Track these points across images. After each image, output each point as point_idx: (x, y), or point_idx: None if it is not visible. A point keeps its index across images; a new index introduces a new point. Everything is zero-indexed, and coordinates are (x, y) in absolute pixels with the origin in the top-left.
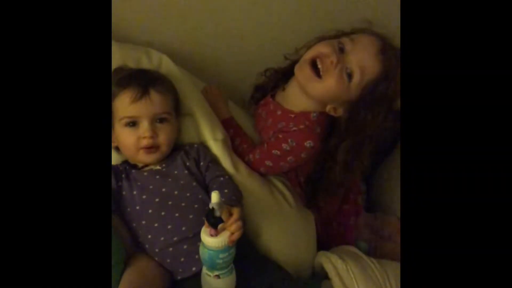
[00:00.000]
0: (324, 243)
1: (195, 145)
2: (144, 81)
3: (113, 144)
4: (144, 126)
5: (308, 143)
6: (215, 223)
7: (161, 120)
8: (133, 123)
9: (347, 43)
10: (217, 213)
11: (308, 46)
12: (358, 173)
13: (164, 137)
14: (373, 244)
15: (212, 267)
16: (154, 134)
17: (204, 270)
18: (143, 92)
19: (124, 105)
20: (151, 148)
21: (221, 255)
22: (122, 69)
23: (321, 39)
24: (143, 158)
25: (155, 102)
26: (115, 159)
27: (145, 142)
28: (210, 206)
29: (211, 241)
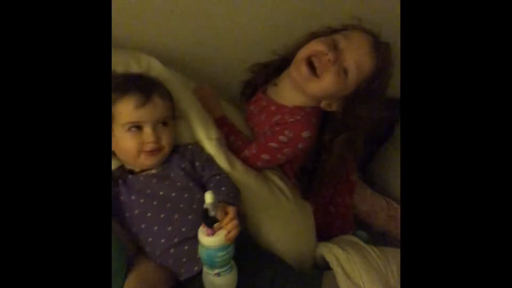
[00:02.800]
0: (324, 232)
1: (189, 146)
2: (146, 86)
3: None
4: (148, 131)
5: (305, 133)
6: (210, 222)
7: (163, 124)
8: (136, 128)
9: (341, 40)
10: (212, 213)
11: (300, 43)
12: (352, 163)
13: (166, 140)
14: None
15: (212, 266)
16: (157, 138)
17: (205, 269)
18: (147, 97)
19: (128, 110)
20: (155, 151)
21: (219, 254)
22: (114, 74)
23: (312, 36)
24: (144, 161)
25: (158, 106)
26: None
27: (149, 147)
28: (204, 207)
29: (208, 240)
